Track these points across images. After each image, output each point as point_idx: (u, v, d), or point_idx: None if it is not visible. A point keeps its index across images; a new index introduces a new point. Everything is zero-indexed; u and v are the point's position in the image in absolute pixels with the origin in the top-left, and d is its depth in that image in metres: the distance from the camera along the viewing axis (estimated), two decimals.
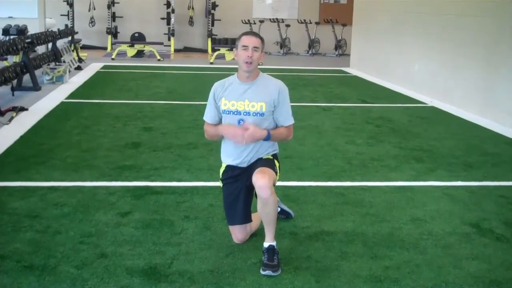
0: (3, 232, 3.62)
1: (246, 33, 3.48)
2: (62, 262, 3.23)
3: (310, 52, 18.16)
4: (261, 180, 3.22)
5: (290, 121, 3.49)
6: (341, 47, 18.03)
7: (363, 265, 3.32)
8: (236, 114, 3.42)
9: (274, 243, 3.28)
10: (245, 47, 3.38)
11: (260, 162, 3.44)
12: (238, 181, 3.49)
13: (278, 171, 3.48)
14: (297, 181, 4.88)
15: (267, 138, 3.39)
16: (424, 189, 4.80)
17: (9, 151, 5.58)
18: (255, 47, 3.38)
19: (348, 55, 15.33)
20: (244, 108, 3.41)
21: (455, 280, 3.18)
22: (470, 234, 3.84)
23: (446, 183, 4.94)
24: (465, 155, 5.92)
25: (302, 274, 3.19)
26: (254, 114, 3.40)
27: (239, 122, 3.41)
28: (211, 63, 14.55)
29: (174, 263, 3.26)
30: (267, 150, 3.51)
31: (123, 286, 2.98)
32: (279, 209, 3.72)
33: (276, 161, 3.53)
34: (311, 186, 4.77)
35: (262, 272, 3.14)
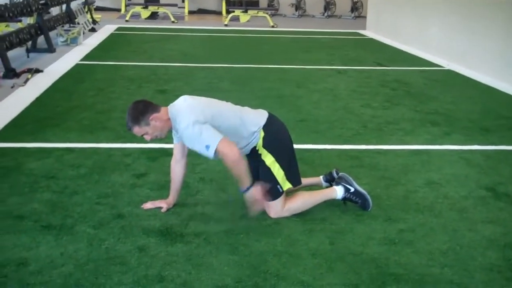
0: (21, 192, 3.66)
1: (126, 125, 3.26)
2: (79, 222, 3.27)
3: (325, 14, 17.94)
4: (267, 213, 3.38)
5: (210, 151, 3.05)
6: (357, 9, 17.80)
7: (378, 228, 3.32)
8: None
9: None
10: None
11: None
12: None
13: (280, 186, 3.33)
14: (312, 144, 4.87)
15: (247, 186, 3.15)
16: (439, 152, 4.77)
17: (25, 112, 5.61)
18: (140, 135, 3.24)
19: (364, 17, 15.12)
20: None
21: (470, 243, 3.18)
22: (485, 197, 3.83)
23: (462, 147, 4.91)
24: (481, 119, 5.86)
25: (316, 235, 3.20)
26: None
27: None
28: (226, 25, 14.42)
29: (190, 224, 3.29)
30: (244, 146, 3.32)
31: (139, 246, 3.02)
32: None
33: (274, 167, 3.32)
34: (326, 149, 4.76)
35: None
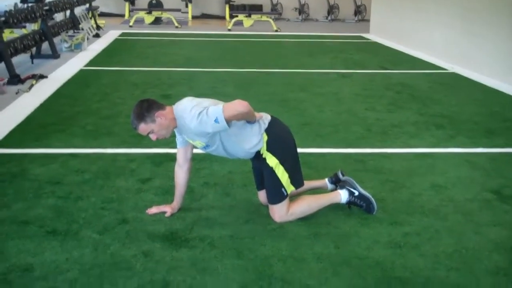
0: (26, 198, 3.67)
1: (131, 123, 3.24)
2: (84, 227, 3.27)
3: (329, 18, 17.95)
4: (272, 217, 3.39)
5: (221, 122, 3.08)
6: (360, 13, 17.80)
7: (383, 231, 3.32)
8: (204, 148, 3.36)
9: None
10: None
11: (264, 183, 3.41)
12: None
13: (284, 189, 3.34)
14: (316, 147, 4.87)
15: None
16: (444, 155, 4.76)
17: (30, 118, 5.63)
18: (147, 135, 3.23)
19: (368, 21, 15.12)
20: (196, 146, 3.37)
21: (476, 246, 3.16)
22: (491, 200, 3.81)
23: (467, 150, 4.90)
24: (486, 122, 5.85)
25: (321, 239, 3.20)
26: (204, 147, 3.32)
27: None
28: (229, 30, 14.45)
29: (194, 229, 3.29)
30: (249, 150, 3.34)
31: (144, 250, 3.01)
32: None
33: (278, 170, 3.32)
34: (330, 153, 4.76)
35: None
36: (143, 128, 3.19)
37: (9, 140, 4.91)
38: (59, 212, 3.46)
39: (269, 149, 3.31)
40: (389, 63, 9.63)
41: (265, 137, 3.31)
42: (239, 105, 3.13)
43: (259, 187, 3.57)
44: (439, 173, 4.29)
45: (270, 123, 3.36)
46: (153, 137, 3.23)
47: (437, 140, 5.16)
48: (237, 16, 15.24)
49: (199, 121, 3.10)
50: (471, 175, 4.28)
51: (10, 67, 7.32)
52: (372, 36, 13.60)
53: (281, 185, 3.32)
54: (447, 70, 9.11)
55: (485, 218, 3.54)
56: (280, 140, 3.37)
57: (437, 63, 9.67)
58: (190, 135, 3.25)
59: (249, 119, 3.26)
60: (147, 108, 3.17)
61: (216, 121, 3.08)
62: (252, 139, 3.29)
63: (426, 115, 6.04)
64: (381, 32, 13.35)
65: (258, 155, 3.35)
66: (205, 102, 3.24)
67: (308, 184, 3.65)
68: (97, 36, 12.22)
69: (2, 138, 4.92)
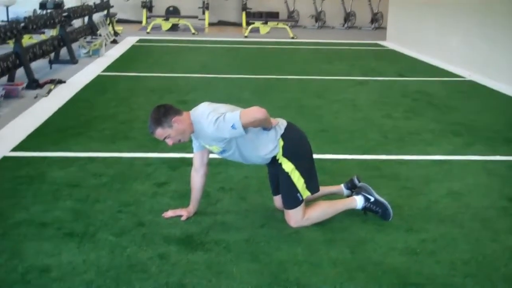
0: (44, 200, 3.71)
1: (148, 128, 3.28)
2: (101, 230, 3.30)
3: (345, 25, 17.94)
4: (288, 222, 3.39)
5: (238, 128, 3.11)
6: (377, 20, 17.77)
7: (399, 238, 3.30)
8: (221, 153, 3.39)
9: None
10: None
11: (280, 188, 3.43)
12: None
13: (300, 194, 3.34)
14: (332, 154, 4.86)
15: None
16: (462, 163, 4.73)
17: (48, 122, 5.69)
18: (163, 140, 3.25)
19: (385, 28, 15.10)
20: (212, 151, 3.40)
21: (493, 253, 3.14)
22: (508, 208, 3.78)
23: (485, 157, 4.86)
24: (504, 130, 5.80)
25: (337, 245, 3.19)
26: (221, 152, 3.34)
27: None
28: (246, 37, 14.49)
29: (210, 233, 3.30)
30: (265, 156, 3.35)
31: (160, 253, 3.03)
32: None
33: (294, 175, 3.33)
34: (346, 159, 4.75)
35: None
36: (159, 132, 3.21)
37: (28, 143, 4.96)
38: (76, 215, 3.49)
39: (285, 155, 3.32)
40: (406, 70, 9.60)
41: (281, 143, 3.32)
42: (256, 112, 3.15)
43: (275, 192, 3.57)
44: (456, 180, 4.27)
45: (286, 129, 3.37)
46: (169, 142, 3.25)
47: (454, 148, 5.13)
48: (253, 23, 15.29)
49: (216, 126, 3.12)
50: (489, 183, 4.25)
51: (29, 72, 7.41)
52: (389, 43, 13.57)
53: (297, 190, 3.32)
54: (464, 77, 9.06)
55: (503, 225, 3.51)
56: (296, 145, 3.37)
57: (455, 71, 9.61)
58: (207, 140, 3.27)
59: (266, 126, 3.27)
60: (164, 113, 3.19)
61: (233, 127, 3.10)
62: (268, 145, 3.30)
63: (444, 123, 6.01)
64: (398, 39, 13.31)
65: (273, 160, 3.36)
66: (222, 108, 3.26)
67: (323, 189, 3.65)
68: (114, 42, 12.33)
69: (21, 142, 4.98)
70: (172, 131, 3.20)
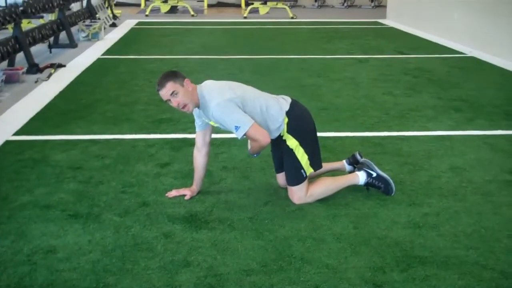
0: (48, 183, 3.72)
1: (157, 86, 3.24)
2: (106, 210, 3.32)
3: (345, 4, 17.83)
4: (291, 199, 3.42)
5: (239, 132, 3.16)
6: None
7: (402, 212, 3.32)
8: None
9: None
10: (165, 101, 3.27)
11: (283, 165, 3.44)
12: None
13: (304, 170, 3.37)
14: (334, 131, 4.87)
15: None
16: (463, 138, 4.74)
17: (50, 106, 5.69)
18: (170, 97, 3.18)
19: (384, 6, 14.99)
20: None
21: (495, 226, 3.16)
22: (510, 181, 3.80)
23: (486, 132, 4.87)
24: (505, 105, 5.80)
25: (340, 220, 3.21)
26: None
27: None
28: (245, 18, 14.42)
29: (214, 211, 3.32)
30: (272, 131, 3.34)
31: (165, 232, 3.05)
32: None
33: (298, 152, 3.35)
34: (348, 137, 4.76)
35: None
36: (170, 86, 3.15)
37: (30, 127, 4.97)
38: (80, 196, 3.51)
39: (289, 131, 3.33)
40: (406, 48, 9.56)
41: (286, 119, 3.32)
42: (264, 138, 3.19)
43: (278, 170, 3.59)
44: (457, 155, 4.28)
45: (291, 105, 3.37)
46: (174, 101, 3.18)
47: (455, 123, 5.13)
48: (252, 3, 15.20)
49: (223, 111, 3.14)
50: (490, 157, 4.26)
51: (28, 57, 7.40)
52: (389, 21, 13.49)
53: (301, 167, 3.34)
54: (465, 54, 9.02)
55: (504, 198, 3.53)
56: (300, 122, 3.38)
57: (455, 47, 9.57)
58: (209, 116, 3.27)
59: (255, 151, 3.32)
60: (176, 73, 3.24)
61: (236, 127, 3.14)
62: (274, 122, 3.30)
63: (444, 99, 6.00)
64: (398, 17, 13.24)
65: (278, 136, 3.37)
66: (229, 86, 3.29)
67: (326, 166, 3.66)
68: (113, 25, 12.28)
69: (23, 126, 4.99)
70: (182, 90, 3.18)
